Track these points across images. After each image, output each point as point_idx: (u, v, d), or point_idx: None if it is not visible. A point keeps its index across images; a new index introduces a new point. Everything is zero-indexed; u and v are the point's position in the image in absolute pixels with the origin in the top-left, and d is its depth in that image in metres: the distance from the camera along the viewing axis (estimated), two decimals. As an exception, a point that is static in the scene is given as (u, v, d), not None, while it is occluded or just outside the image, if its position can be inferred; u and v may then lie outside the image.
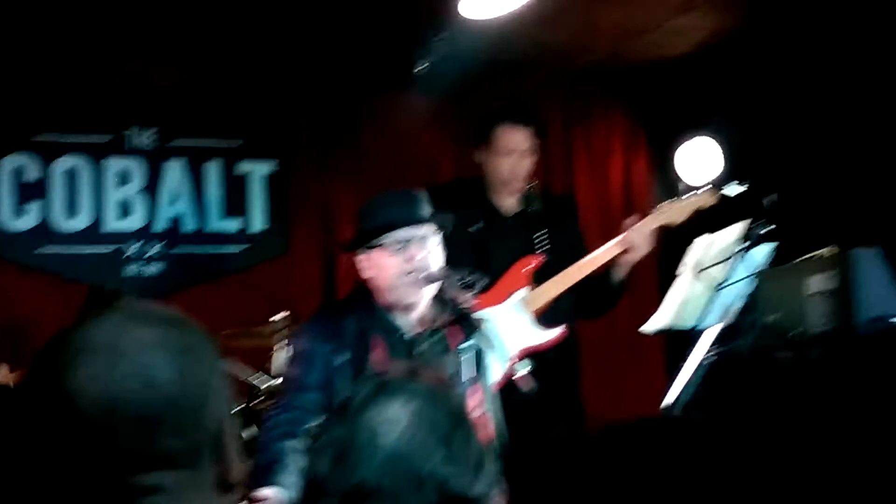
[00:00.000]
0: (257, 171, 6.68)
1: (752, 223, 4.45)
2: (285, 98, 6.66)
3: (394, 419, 1.93)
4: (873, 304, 3.62)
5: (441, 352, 3.69)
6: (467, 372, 3.55)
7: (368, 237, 3.69)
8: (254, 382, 5.32)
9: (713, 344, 4.19)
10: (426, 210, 3.71)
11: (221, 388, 1.72)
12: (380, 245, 3.65)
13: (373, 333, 3.67)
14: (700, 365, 4.12)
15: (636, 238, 4.80)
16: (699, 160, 6.28)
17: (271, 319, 5.39)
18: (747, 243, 4.40)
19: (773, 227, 4.37)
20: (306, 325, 3.88)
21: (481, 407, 3.62)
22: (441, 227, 3.74)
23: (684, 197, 4.94)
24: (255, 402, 5.26)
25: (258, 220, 6.67)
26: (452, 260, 3.76)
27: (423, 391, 1.99)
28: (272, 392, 5.12)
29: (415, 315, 3.69)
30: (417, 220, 3.67)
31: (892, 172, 5.49)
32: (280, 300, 5.91)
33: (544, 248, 4.93)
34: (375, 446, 1.90)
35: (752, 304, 4.36)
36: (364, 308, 3.72)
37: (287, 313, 5.43)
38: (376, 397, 1.98)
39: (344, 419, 1.99)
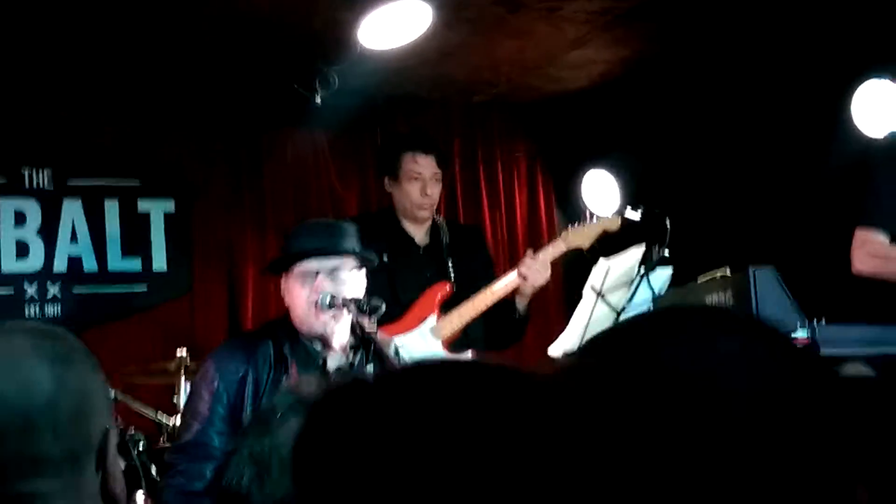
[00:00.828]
0: (157, 210, 6.61)
1: (648, 248, 4.54)
2: (183, 136, 6.61)
3: None
4: (772, 317, 3.70)
5: None
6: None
7: (283, 263, 3.71)
8: (159, 420, 5.25)
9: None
10: (345, 242, 3.69)
11: (101, 400, 1.67)
12: (291, 273, 3.66)
13: (292, 360, 3.64)
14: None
15: (533, 268, 4.85)
16: (600, 188, 6.39)
17: (177, 355, 5.31)
18: (645, 267, 4.48)
19: (667, 251, 4.46)
20: (217, 351, 3.82)
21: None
22: (363, 263, 3.74)
23: (590, 221, 5.03)
24: (161, 439, 5.19)
25: (160, 258, 6.59)
26: (368, 287, 3.77)
27: None
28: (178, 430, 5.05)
29: (334, 346, 3.67)
30: (330, 252, 3.65)
31: (776, 198, 5.64)
32: (183, 338, 5.84)
33: (455, 277, 4.99)
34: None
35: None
36: (286, 334, 3.69)
37: (185, 350, 5.34)
38: (298, 410, 1.95)
39: (264, 432, 1.96)
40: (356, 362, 3.69)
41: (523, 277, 4.84)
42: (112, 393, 1.81)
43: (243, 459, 1.94)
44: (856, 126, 5.25)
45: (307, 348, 3.68)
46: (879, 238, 4.05)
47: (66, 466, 1.59)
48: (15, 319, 5.73)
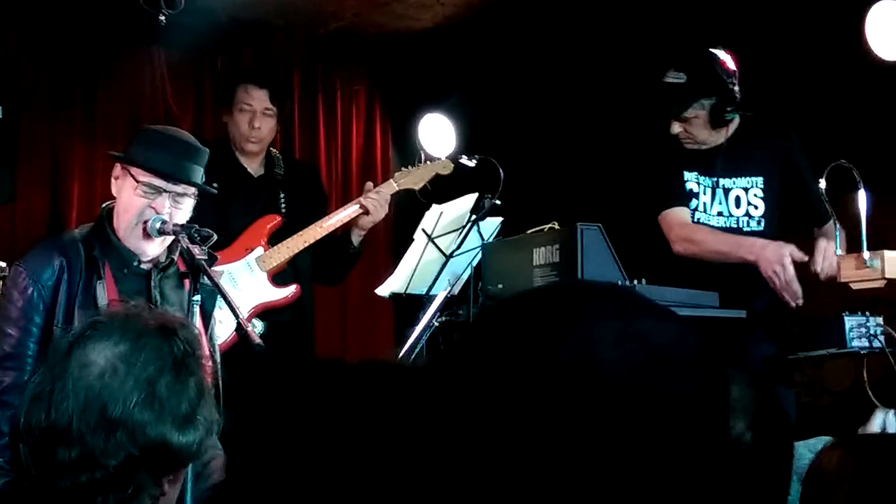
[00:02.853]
0: (-18, 116, 6.36)
1: (481, 197, 4.63)
2: (18, 43, 6.38)
3: (92, 361, 1.87)
4: (595, 275, 3.82)
5: (175, 287, 3.63)
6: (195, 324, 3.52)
7: (132, 165, 3.56)
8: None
9: (441, 310, 4.34)
10: (198, 173, 3.62)
11: None
12: (136, 179, 3.54)
13: (104, 262, 3.53)
14: (427, 329, 4.27)
15: (375, 201, 4.93)
16: (436, 133, 6.44)
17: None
18: (477, 216, 4.57)
19: (499, 201, 4.55)
20: (29, 255, 3.60)
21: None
22: (201, 195, 3.68)
23: (423, 163, 5.13)
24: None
25: (-18, 165, 6.37)
26: (194, 215, 3.72)
27: (134, 333, 1.91)
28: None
29: (145, 257, 3.60)
30: (184, 181, 3.58)
31: (605, 159, 5.80)
32: (3, 248, 5.68)
33: (286, 210, 5.00)
34: (68, 388, 1.84)
35: (479, 273, 4.52)
36: (97, 237, 3.57)
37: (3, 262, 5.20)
38: (84, 339, 1.91)
39: (51, 362, 1.91)
40: (173, 271, 3.62)
41: (365, 211, 4.91)
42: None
43: (28, 388, 1.91)
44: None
45: (121, 250, 3.57)
46: (684, 217, 4.29)
47: None
48: None
